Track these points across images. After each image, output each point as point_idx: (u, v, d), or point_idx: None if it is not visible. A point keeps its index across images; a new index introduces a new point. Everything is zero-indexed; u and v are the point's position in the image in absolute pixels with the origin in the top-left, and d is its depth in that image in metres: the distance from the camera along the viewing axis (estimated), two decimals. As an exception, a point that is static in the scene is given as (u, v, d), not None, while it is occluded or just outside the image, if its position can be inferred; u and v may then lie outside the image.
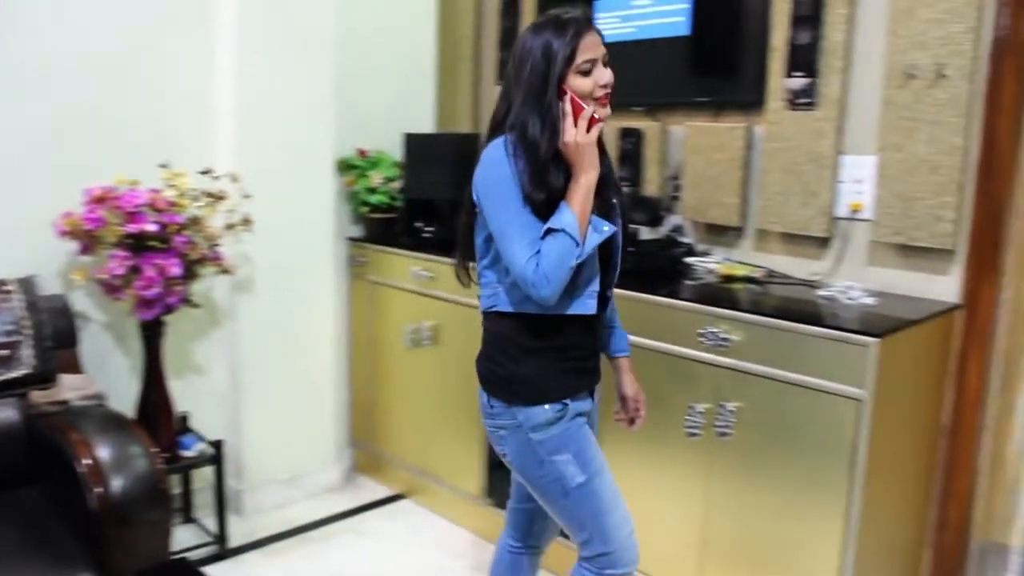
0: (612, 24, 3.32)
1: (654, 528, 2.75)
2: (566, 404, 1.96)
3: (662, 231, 3.00)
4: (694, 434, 2.56)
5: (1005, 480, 2.69)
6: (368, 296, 3.74)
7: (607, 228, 1.89)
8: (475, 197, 1.95)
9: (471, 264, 2.11)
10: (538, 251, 1.80)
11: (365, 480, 3.91)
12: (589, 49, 1.84)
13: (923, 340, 2.50)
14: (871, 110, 2.72)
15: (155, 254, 2.87)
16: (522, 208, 1.83)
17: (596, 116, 1.83)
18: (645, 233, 2.94)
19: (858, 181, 2.76)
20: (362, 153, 3.68)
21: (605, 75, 1.86)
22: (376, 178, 3.61)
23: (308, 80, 3.50)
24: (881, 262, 2.77)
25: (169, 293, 2.91)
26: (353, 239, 3.77)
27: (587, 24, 1.86)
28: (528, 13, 3.66)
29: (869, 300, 2.58)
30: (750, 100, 2.97)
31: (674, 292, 2.68)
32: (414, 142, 3.65)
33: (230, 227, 3.14)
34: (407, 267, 3.51)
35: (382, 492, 3.79)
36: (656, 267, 2.94)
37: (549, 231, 1.80)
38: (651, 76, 3.23)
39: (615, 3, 3.30)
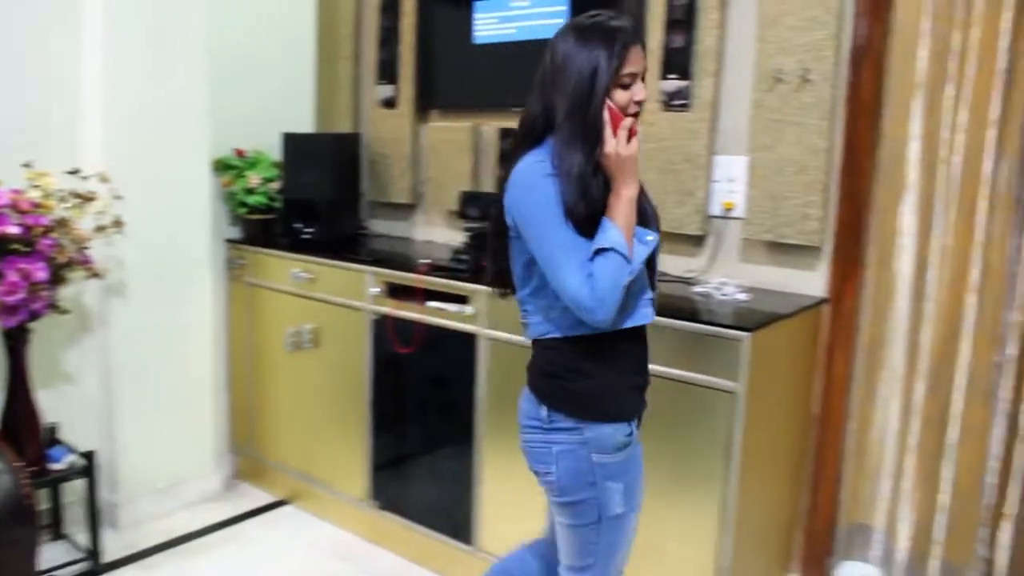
0: (492, 25, 3.35)
1: (538, 526, 2.76)
2: (632, 431, 1.90)
3: (543, 230, 3.04)
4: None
5: (869, 465, 2.82)
6: (247, 299, 3.66)
7: (651, 238, 1.81)
8: (510, 219, 1.84)
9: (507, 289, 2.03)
10: (590, 274, 1.70)
11: (247, 487, 3.82)
12: (634, 63, 1.75)
13: (793, 333, 2.61)
14: (742, 112, 2.82)
15: (18, 258, 2.74)
16: (567, 230, 1.72)
17: (634, 128, 1.76)
18: (526, 232, 2.97)
19: (731, 181, 2.85)
20: (239, 153, 3.60)
21: (642, 91, 1.78)
22: (254, 178, 3.54)
23: (181, 77, 3.40)
24: (753, 259, 2.87)
25: (34, 299, 2.78)
26: (231, 241, 3.68)
27: (635, 36, 1.76)
28: (408, 13, 3.64)
29: (742, 296, 2.66)
30: (627, 101, 3.02)
31: (556, 290, 2.71)
32: (293, 142, 3.59)
33: (100, 229, 3.03)
34: (287, 269, 3.45)
35: (264, 499, 3.71)
36: (538, 266, 2.96)
37: (599, 251, 1.70)
38: (531, 77, 3.25)
39: (494, 4, 3.33)
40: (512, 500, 2.84)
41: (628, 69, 1.74)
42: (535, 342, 1.95)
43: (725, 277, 2.83)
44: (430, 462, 3.14)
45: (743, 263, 2.89)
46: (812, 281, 2.76)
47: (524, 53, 3.26)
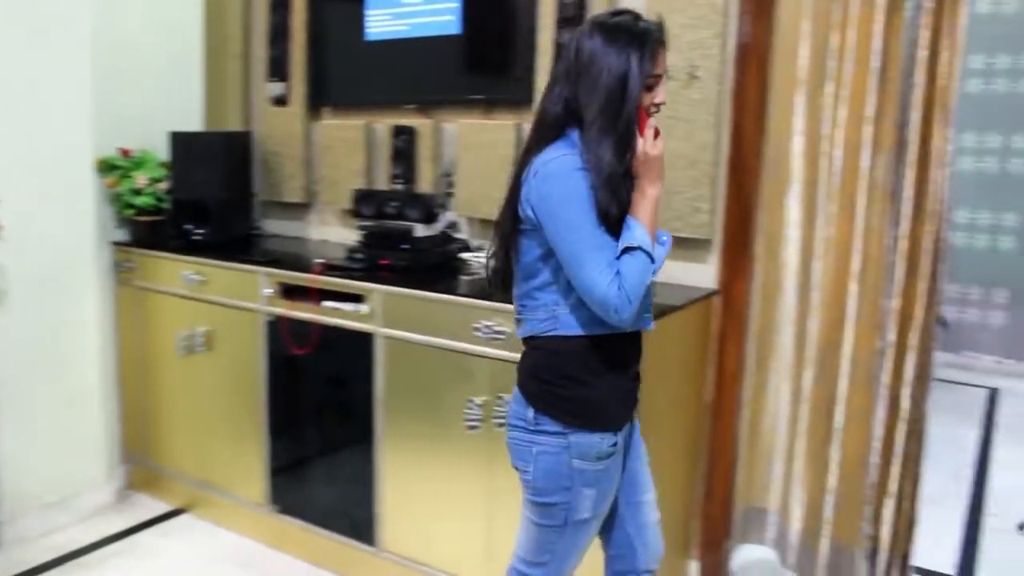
0: (384, 22, 3.32)
1: (440, 525, 2.78)
2: (616, 440, 1.90)
3: (437, 228, 3.03)
4: (474, 427, 2.60)
5: (761, 450, 2.91)
6: (136, 303, 3.55)
7: (667, 239, 1.85)
8: (529, 212, 1.80)
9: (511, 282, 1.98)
10: (617, 272, 1.71)
11: (142, 497, 3.70)
12: (660, 64, 1.77)
13: (685, 325, 2.66)
14: (632, 108, 2.85)
15: None
16: (596, 227, 1.72)
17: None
18: (420, 230, 2.96)
19: (622, 176, 2.89)
20: (125, 153, 3.49)
21: (662, 93, 1.81)
22: (141, 179, 3.43)
23: (63, 75, 3.28)
24: (646, 252, 2.91)
25: (-97, 308, 2.65)
26: (118, 243, 3.56)
27: (662, 38, 1.78)
28: (299, 9, 3.58)
29: (635, 289, 2.71)
30: (520, 98, 3.04)
31: (450, 288, 2.71)
32: (181, 141, 3.50)
33: (-25, 234, 2.90)
34: (177, 271, 3.35)
35: (160, 508, 3.61)
36: (432, 264, 2.97)
37: (626, 250, 1.72)
38: (424, 74, 3.26)
39: (386, 1, 3.30)
40: (414, 498, 2.83)
41: (657, 71, 1.76)
42: (527, 340, 1.92)
43: (619, 271, 2.86)
44: (329, 464, 3.10)
45: (637, 257, 2.92)
46: (703, 273, 2.82)
47: (416, 50, 3.25)
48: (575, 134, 1.78)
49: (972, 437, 4.66)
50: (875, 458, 2.68)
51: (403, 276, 2.82)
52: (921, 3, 2.48)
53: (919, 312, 2.58)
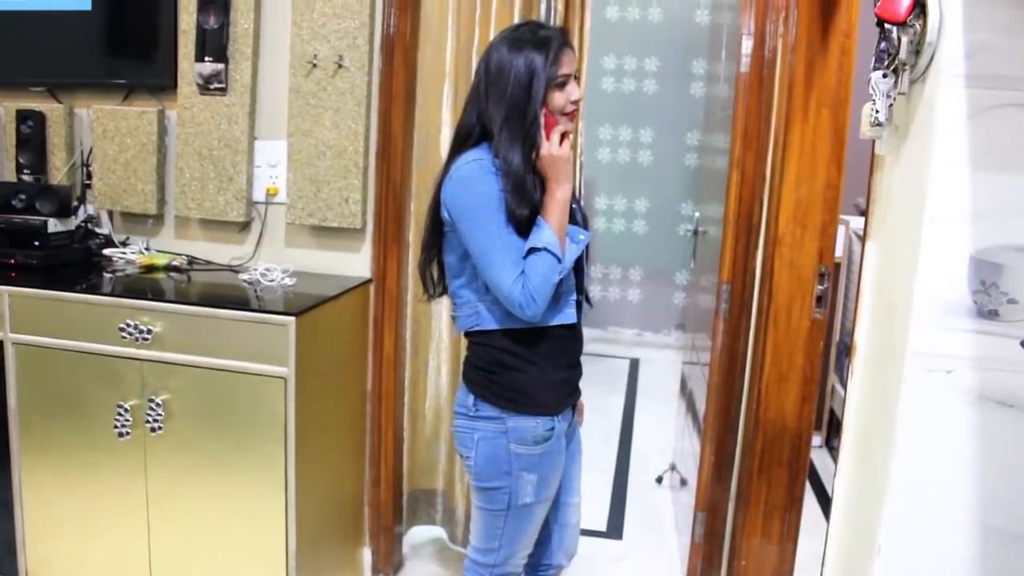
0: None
1: (95, 542, 2.62)
2: (554, 426, 1.98)
3: (74, 222, 2.82)
4: (125, 434, 2.46)
5: (425, 434, 2.99)
6: None
7: (583, 237, 1.93)
8: (445, 214, 1.91)
9: (435, 277, 2.07)
10: (522, 271, 1.81)
11: None
12: (567, 64, 1.87)
13: (340, 314, 2.68)
14: (280, 96, 2.81)
15: None
16: (504, 228, 1.83)
17: (567, 130, 1.87)
18: (54, 225, 2.73)
19: (272, 166, 2.84)
20: None
21: (576, 91, 1.90)
22: None
23: None
24: (299, 243, 2.89)
25: None
26: None
27: (565, 40, 1.89)
28: None
29: (289, 281, 2.68)
30: (162, 83, 2.89)
31: (91, 287, 2.55)
32: None
33: None
34: None
35: None
36: (69, 261, 2.77)
37: (532, 250, 1.82)
38: (53, 53, 2.98)
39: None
40: (63, 518, 2.63)
41: (563, 71, 1.86)
42: (466, 335, 2.04)
43: (272, 263, 2.82)
44: (-44, 489, 2.78)
45: (289, 248, 2.90)
46: (357, 262, 2.85)
47: (43, 26, 2.96)
48: (489, 143, 1.90)
49: (618, 404, 5.09)
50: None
51: (35, 276, 2.60)
52: (554, 6, 2.67)
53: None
